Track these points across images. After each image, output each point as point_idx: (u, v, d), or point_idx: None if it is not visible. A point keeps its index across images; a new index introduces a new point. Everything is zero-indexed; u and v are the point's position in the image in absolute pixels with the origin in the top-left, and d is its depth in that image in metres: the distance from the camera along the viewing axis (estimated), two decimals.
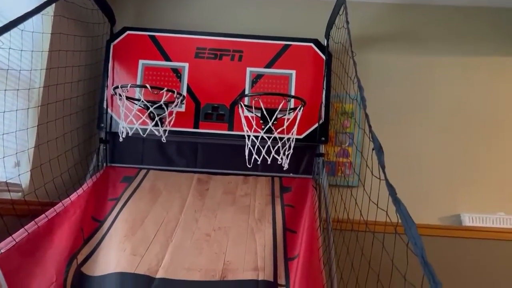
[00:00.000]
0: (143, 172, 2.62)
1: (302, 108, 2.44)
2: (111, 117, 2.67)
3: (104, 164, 2.65)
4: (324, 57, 2.74)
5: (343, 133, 2.85)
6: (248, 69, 2.75)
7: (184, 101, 2.65)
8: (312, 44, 2.77)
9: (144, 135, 2.39)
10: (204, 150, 2.77)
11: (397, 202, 1.16)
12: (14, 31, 1.72)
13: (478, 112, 2.88)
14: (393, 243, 1.25)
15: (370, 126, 1.52)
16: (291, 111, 2.52)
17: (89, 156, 2.64)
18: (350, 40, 2.02)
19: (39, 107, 2.15)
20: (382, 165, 1.33)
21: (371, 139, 1.48)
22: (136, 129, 2.40)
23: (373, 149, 1.44)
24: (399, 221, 1.14)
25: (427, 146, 2.84)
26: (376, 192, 1.38)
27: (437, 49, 2.97)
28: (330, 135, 2.79)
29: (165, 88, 2.35)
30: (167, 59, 2.75)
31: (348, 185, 2.60)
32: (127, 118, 2.41)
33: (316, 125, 2.65)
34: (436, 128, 2.87)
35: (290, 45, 2.77)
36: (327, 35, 2.75)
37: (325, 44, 2.77)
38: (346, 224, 1.96)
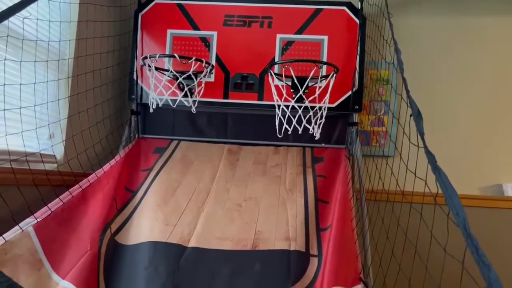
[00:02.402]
0: (174, 143, 2.62)
1: (334, 75, 2.34)
2: (142, 88, 2.66)
3: (136, 135, 2.67)
4: (358, 21, 2.60)
5: (378, 101, 2.73)
6: (278, 36, 2.65)
7: (213, 71, 2.60)
8: (345, 8, 2.64)
9: (174, 106, 2.37)
10: (234, 120, 2.73)
11: (437, 170, 1.09)
12: (41, 1, 1.70)
13: None
14: (431, 215, 1.19)
15: (408, 91, 1.43)
16: (323, 78, 2.42)
17: (120, 127, 2.66)
18: (386, 0, 1.90)
19: (70, 78, 2.16)
20: (421, 132, 1.25)
21: (408, 105, 1.39)
22: (166, 100, 2.39)
23: (411, 115, 1.35)
24: (439, 191, 1.07)
25: (468, 113, 2.69)
26: (413, 162, 1.30)
27: (482, 8, 2.76)
28: (364, 103, 2.68)
29: (194, 58, 2.31)
30: (195, 28, 2.70)
31: (383, 155, 2.51)
32: (157, 89, 2.40)
33: (350, 93, 2.55)
34: (478, 94, 2.71)
35: (322, 9, 2.65)
36: None
37: (359, 7, 2.62)
38: (381, 194, 1.89)
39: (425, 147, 1.19)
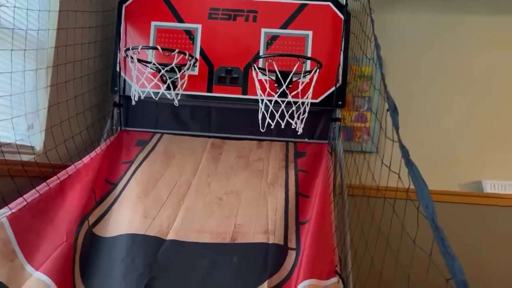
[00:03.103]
0: (157, 136, 2.61)
1: (318, 70, 2.34)
2: (124, 80, 2.64)
3: (118, 128, 2.64)
4: (342, 16, 2.60)
5: (361, 97, 2.75)
6: (263, 30, 2.64)
7: (197, 64, 2.59)
8: (330, 3, 2.64)
9: (156, 99, 2.35)
10: (218, 114, 2.72)
11: (409, 163, 1.10)
12: None
13: (505, 76, 2.72)
14: (403, 208, 1.20)
15: (385, 86, 1.44)
16: (306, 73, 2.42)
17: (102, 119, 2.63)
18: None
19: (50, 68, 2.13)
20: (396, 126, 1.26)
21: (385, 100, 1.40)
22: (148, 92, 2.37)
23: (387, 110, 1.36)
24: (411, 185, 1.08)
25: (449, 110, 2.72)
26: (392, 157, 1.31)
27: (463, 6, 2.79)
28: (347, 99, 2.69)
29: (177, 50, 2.30)
30: (180, 20, 2.68)
31: (365, 151, 2.53)
32: (139, 81, 2.38)
33: (333, 88, 2.55)
34: (460, 91, 2.74)
35: (307, 4, 2.65)
36: None
37: (344, 3, 2.63)
38: (359, 189, 1.90)
39: (400, 141, 1.20)
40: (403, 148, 1.17)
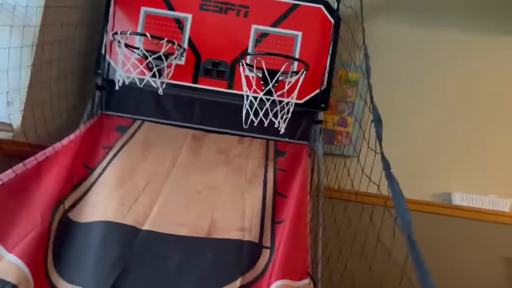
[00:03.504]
0: (137, 122, 2.58)
1: (305, 72, 2.37)
2: (109, 63, 2.59)
3: (99, 111, 2.60)
4: (332, 20, 2.63)
5: (345, 102, 2.79)
6: (253, 26, 2.64)
7: (184, 54, 2.57)
8: (321, 6, 2.66)
9: (141, 85, 2.33)
10: (201, 106, 2.71)
11: (390, 177, 1.14)
12: None
13: (478, 91, 2.83)
14: (381, 217, 1.24)
15: (372, 97, 1.48)
16: (293, 74, 2.44)
17: (83, 101, 2.58)
18: (361, 4, 1.93)
19: (34, 47, 2.07)
20: (379, 138, 1.30)
21: (371, 111, 1.44)
22: (133, 78, 2.34)
23: (372, 121, 1.40)
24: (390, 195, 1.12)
25: (424, 121, 2.80)
26: (370, 164, 1.35)
27: (440, 22, 2.87)
28: (331, 102, 2.73)
29: (166, 39, 2.28)
30: (170, 8, 2.64)
31: (344, 155, 2.58)
32: (125, 66, 2.34)
33: (317, 91, 2.59)
34: (435, 103, 2.83)
35: (299, 5, 2.66)
36: None
37: (335, 7, 2.65)
38: (336, 192, 1.95)
39: (382, 153, 1.24)
40: (384, 161, 1.21)
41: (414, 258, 0.88)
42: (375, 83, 1.69)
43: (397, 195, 1.07)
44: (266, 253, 1.76)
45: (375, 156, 1.29)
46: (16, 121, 2.05)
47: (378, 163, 1.28)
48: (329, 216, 1.86)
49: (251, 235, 1.82)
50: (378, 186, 1.21)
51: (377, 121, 1.35)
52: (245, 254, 1.73)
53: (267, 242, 1.83)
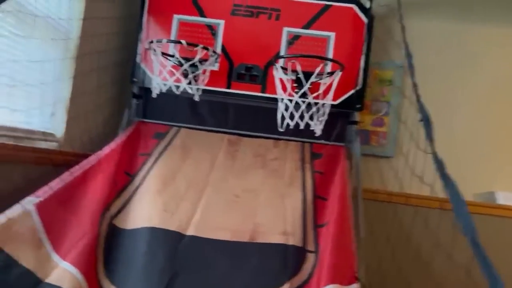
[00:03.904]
0: (174, 129, 2.61)
1: (340, 73, 2.35)
2: (144, 72, 2.63)
3: (137, 119, 2.64)
4: (365, 20, 2.60)
5: (379, 102, 2.75)
6: (285, 29, 2.64)
7: (218, 60, 2.59)
8: (354, 6, 2.62)
9: (178, 92, 2.36)
10: (235, 111, 2.72)
11: (446, 178, 1.11)
12: None
13: None
14: (431, 218, 1.21)
15: (418, 96, 1.45)
16: (327, 75, 2.42)
17: (122, 110, 2.64)
18: (399, 1, 1.90)
19: (75, 58, 2.13)
20: (430, 138, 1.27)
21: (419, 110, 1.41)
22: (169, 86, 2.37)
23: (420, 120, 1.37)
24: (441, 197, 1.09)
25: (466, 119, 2.72)
26: (412, 163, 1.32)
27: (484, 18, 2.78)
28: (366, 102, 2.70)
29: (201, 45, 2.30)
30: (203, 15, 2.67)
31: (381, 155, 2.53)
32: (161, 74, 2.38)
33: (352, 91, 2.55)
34: (477, 101, 2.74)
35: (331, 5, 2.64)
36: None
37: (368, 6, 2.62)
38: (373, 194, 1.91)
39: (435, 153, 1.21)
40: (438, 161, 1.18)
41: (481, 263, 0.86)
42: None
43: (456, 197, 1.04)
44: (311, 258, 1.74)
45: (415, 154, 1.26)
46: (60, 131, 2.11)
47: (421, 162, 1.25)
48: (373, 218, 1.83)
49: (294, 239, 1.81)
50: (430, 188, 1.18)
51: (427, 120, 1.32)
52: (290, 258, 1.72)
53: (311, 246, 1.81)
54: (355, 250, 1.68)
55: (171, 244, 1.74)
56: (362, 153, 2.52)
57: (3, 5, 1.42)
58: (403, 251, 1.35)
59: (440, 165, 1.15)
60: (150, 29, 2.66)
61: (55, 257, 1.50)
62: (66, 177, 1.78)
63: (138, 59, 2.63)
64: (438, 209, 1.15)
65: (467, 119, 2.73)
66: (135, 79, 2.63)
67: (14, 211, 1.48)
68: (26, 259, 1.41)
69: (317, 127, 2.36)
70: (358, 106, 2.56)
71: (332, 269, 1.55)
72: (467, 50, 2.77)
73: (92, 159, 2.01)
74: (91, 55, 2.24)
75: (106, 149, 2.15)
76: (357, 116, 2.59)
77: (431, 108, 2.65)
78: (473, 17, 2.79)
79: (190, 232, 1.81)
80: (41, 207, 1.56)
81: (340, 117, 2.63)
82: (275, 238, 1.82)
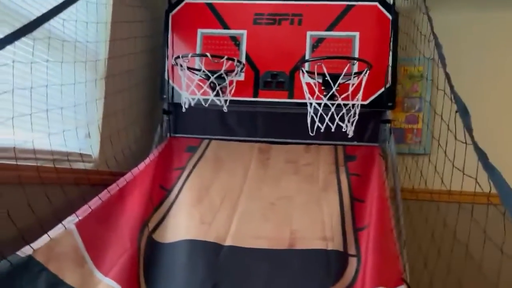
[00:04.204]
0: (205, 141, 2.63)
1: (367, 71, 2.30)
2: (173, 88, 2.68)
3: (168, 135, 2.68)
4: (390, 16, 2.54)
5: (412, 98, 2.68)
6: (308, 33, 2.62)
7: (244, 70, 2.60)
8: (377, 3, 2.58)
9: (206, 105, 2.37)
10: (264, 119, 2.71)
11: (489, 167, 1.05)
12: (79, 4, 1.73)
13: None
14: (475, 214, 1.15)
15: (452, 87, 1.40)
16: (355, 75, 2.38)
17: (153, 126, 2.68)
18: None
19: (105, 79, 2.19)
20: (468, 128, 1.22)
21: (453, 101, 1.35)
22: (198, 99, 2.39)
23: (456, 111, 1.31)
24: (483, 189, 1.04)
25: (502, 111, 2.61)
26: (452, 160, 1.27)
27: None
28: (398, 100, 2.63)
29: (225, 57, 2.31)
30: (226, 27, 2.69)
31: (419, 153, 2.46)
32: (189, 89, 2.41)
33: (382, 89, 2.50)
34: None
35: (353, 5, 2.61)
36: None
37: (391, 2, 2.57)
38: (421, 194, 1.85)
39: (475, 143, 1.16)
40: (479, 151, 1.12)
41: None
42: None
43: (503, 186, 0.98)
44: (353, 262, 1.70)
45: (460, 148, 1.21)
46: (95, 151, 2.16)
47: (462, 157, 1.20)
48: (411, 218, 1.76)
49: (334, 244, 1.78)
50: (476, 180, 1.13)
51: (463, 110, 1.26)
52: (332, 263, 1.68)
53: (352, 250, 1.77)
54: (398, 252, 1.62)
55: (210, 255, 1.74)
56: (398, 152, 2.45)
57: (35, 32, 1.48)
58: (451, 250, 1.29)
59: (482, 155, 1.09)
60: (175, 45, 2.71)
61: (98, 274, 1.53)
62: (103, 195, 1.82)
63: (166, 75, 2.67)
64: (485, 204, 1.08)
65: (504, 111, 2.61)
66: (164, 96, 2.67)
67: (56, 231, 1.52)
68: (70, 277, 1.44)
69: (349, 129, 2.32)
70: (389, 104, 2.50)
71: (376, 272, 1.50)
72: (499, 38, 2.66)
73: (127, 177, 2.04)
74: (120, 75, 2.29)
75: (141, 166, 2.19)
76: (389, 115, 2.53)
77: (474, 102, 2.52)
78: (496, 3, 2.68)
79: (228, 242, 1.81)
80: (82, 226, 1.60)
81: (372, 117, 2.58)
82: (315, 243, 1.79)
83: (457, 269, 1.27)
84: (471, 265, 1.20)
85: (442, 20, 2.66)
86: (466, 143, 1.19)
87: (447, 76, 1.45)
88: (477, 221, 1.18)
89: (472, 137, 1.18)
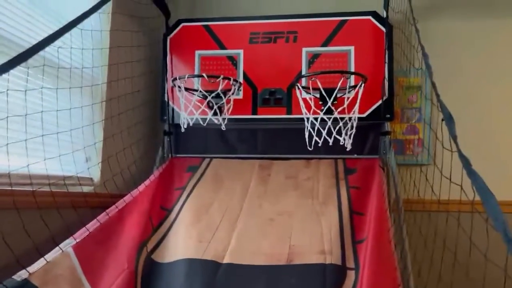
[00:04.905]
0: (206, 160, 2.65)
1: (363, 84, 2.31)
2: (173, 109, 2.72)
3: (169, 155, 2.71)
4: (384, 29, 2.57)
5: (410, 109, 2.67)
6: (304, 50, 2.66)
7: (241, 88, 2.63)
8: (370, 17, 2.61)
9: (204, 124, 2.40)
10: (264, 135, 2.74)
11: (472, 173, 1.05)
12: (74, 31, 1.78)
13: None
14: (470, 222, 1.14)
15: (437, 95, 1.40)
16: (351, 89, 2.39)
17: (154, 148, 2.72)
18: (411, 6, 1.87)
19: (104, 103, 2.24)
20: (453, 136, 1.21)
21: (439, 109, 1.35)
22: (197, 119, 2.43)
23: (442, 120, 1.31)
24: (476, 196, 1.03)
25: (504, 117, 2.59)
26: (451, 169, 1.26)
27: (506, 10, 2.68)
28: (396, 111, 2.63)
29: (221, 76, 2.35)
30: (222, 47, 2.75)
31: (419, 163, 2.44)
32: (187, 109, 2.44)
33: (380, 102, 2.51)
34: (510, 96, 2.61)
35: (347, 20, 2.64)
36: (386, 6, 2.58)
37: (385, 15, 2.60)
38: (417, 204, 1.83)
39: (459, 151, 1.15)
40: (463, 158, 1.12)
41: None
42: (440, 83, 1.60)
43: (484, 191, 0.98)
44: (351, 275, 1.68)
45: (451, 156, 1.20)
46: (95, 174, 2.19)
47: (457, 165, 1.19)
48: (412, 229, 1.74)
49: (333, 258, 1.76)
50: (461, 187, 1.12)
51: (448, 118, 1.26)
52: (329, 277, 1.67)
53: (350, 263, 1.75)
54: (396, 263, 1.60)
55: (208, 274, 1.74)
56: (398, 163, 2.44)
57: (30, 60, 1.54)
58: (440, 258, 1.27)
59: (465, 162, 1.09)
60: (174, 67, 2.76)
61: None
62: (102, 217, 1.84)
63: (165, 97, 2.72)
64: (469, 212, 1.07)
65: (507, 118, 2.58)
66: (165, 117, 2.72)
67: (53, 254, 1.54)
68: None
69: (347, 142, 2.32)
70: (387, 116, 2.50)
71: (373, 284, 1.48)
72: (491, 46, 2.67)
73: (127, 198, 2.07)
74: (118, 98, 2.34)
75: (141, 187, 2.21)
76: (388, 126, 2.53)
77: (471, 109, 2.57)
78: (492, 12, 2.70)
79: (226, 260, 1.81)
80: (79, 249, 1.62)
81: (371, 130, 2.59)
82: (313, 258, 1.78)
83: (447, 276, 1.25)
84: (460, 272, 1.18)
85: (442, 28, 2.70)
86: (452, 150, 1.18)
87: (433, 85, 1.45)
88: (463, 228, 1.16)
89: (456, 144, 1.18)
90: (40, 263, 1.47)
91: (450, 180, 1.20)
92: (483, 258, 1.02)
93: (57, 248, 1.57)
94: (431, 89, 2.57)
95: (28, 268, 1.42)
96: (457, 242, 1.25)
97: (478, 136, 2.52)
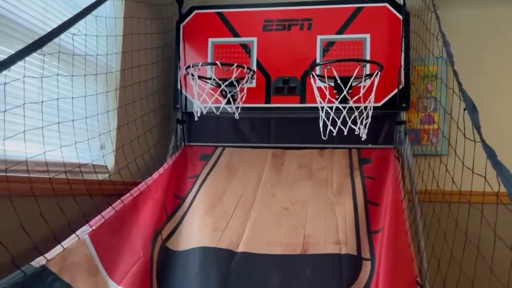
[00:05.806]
0: (219, 149, 2.64)
1: (379, 73, 2.27)
2: (186, 97, 2.71)
3: (182, 144, 2.71)
4: (401, 17, 2.51)
5: (427, 98, 2.63)
6: (319, 37, 2.62)
7: (255, 77, 2.60)
8: (386, 4, 2.56)
9: (218, 113, 2.39)
10: (277, 124, 2.71)
11: (497, 164, 1.02)
12: (89, 18, 1.77)
13: None
14: (492, 214, 1.12)
15: (460, 84, 1.36)
16: (367, 77, 2.35)
17: (167, 136, 2.72)
18: None
19: (118, 90, 2.23)
20: (476, 126, 1.18)
21: (461, 98, 1.32)
22: (210, 107, 2.41)
23: (464, 109, 1.28)
24: (501, 188, 1.00)
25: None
26: (469, 159, 1.23)
27: None
28: (412, 100, 2.59)
29: (235, 64, 2.32)
30: (236, 35, 2.72)
31: (436, 154, 2.40)
32: (201, 97, 2.43)
33: (396, 90, 2.46)
34: None
35: (363, 7, 2.59)
36: None
37: (401, 2, 2.54)
38: (435, 195, 1.80)
39: (483, 141, 1.12)
40: (487, 148, 1.09)
41: None
42: (462, 72, 1.56)
43: (509, 182, 0.95)
44: (367, 265, 1.67)
45: (474, 147, 1.17)
46: (110, 162, 2.20)
47: (478, 156, 1.16)
48: (431, 220, 1.72)
49: (348, 248, 1.75)
50: (485, 179, 1.09)
51: (471, 108, 1.23)
52: (345, 268, 1.66)
53: (366, 253, 1.74)
54: (413, 254, 1.58)
55: (223, 263, 1.74)
56: (414, 153, 2.40)
57: (45, 47, 1.53)
58: (461, 250, 1.25)
59: (490, 153, 1.06)
60: (187, 55, 2.74)
61: (111, 283, 1.55)
62: (117, 205, 1.85)
63: (178, 85, 2.71)
64: (494, 204, 1.05)
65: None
66: (178, 105, 2.71)
67: (70, 241, 1.55)
68: (83, 286, 1.47)
69: (362, 131, 2.29)
70: (403, 105, 2.46)
71: (390, 275, 1.47)
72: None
73: (141, 186, 2.07)
74: (132, 85, 2.34)
75: (155, 175, 2.21)
76: (404, 116, 2.49)
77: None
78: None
79: (240, 249, 1.81)
80: (95, 236, 1.62)
81: (386, 119, 2.55)
82: (328, 248, 1.77)
83: (469, 269, 1.22)
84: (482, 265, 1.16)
85: (457, 16, 2.63)
86: (474, 141, 1.16)
87: (455, 73, 1.41)
88: (487, 220, 1.14)
89: (480, 134, 1.15)
90: (57, 250, 1.48)
91: (473, 171, 1.17)
92: (507, 252, 1.00)
93: (73, 235, 1.58)
94: (448, 78, 2.55)
95: (45, 255, 1.43)
96: (480, 234, 1.22)
97: (495, 127, 2.47)
